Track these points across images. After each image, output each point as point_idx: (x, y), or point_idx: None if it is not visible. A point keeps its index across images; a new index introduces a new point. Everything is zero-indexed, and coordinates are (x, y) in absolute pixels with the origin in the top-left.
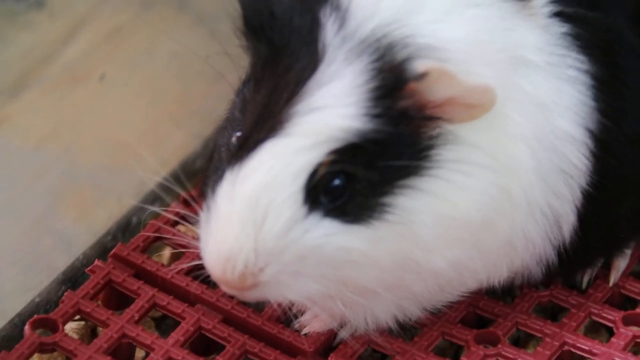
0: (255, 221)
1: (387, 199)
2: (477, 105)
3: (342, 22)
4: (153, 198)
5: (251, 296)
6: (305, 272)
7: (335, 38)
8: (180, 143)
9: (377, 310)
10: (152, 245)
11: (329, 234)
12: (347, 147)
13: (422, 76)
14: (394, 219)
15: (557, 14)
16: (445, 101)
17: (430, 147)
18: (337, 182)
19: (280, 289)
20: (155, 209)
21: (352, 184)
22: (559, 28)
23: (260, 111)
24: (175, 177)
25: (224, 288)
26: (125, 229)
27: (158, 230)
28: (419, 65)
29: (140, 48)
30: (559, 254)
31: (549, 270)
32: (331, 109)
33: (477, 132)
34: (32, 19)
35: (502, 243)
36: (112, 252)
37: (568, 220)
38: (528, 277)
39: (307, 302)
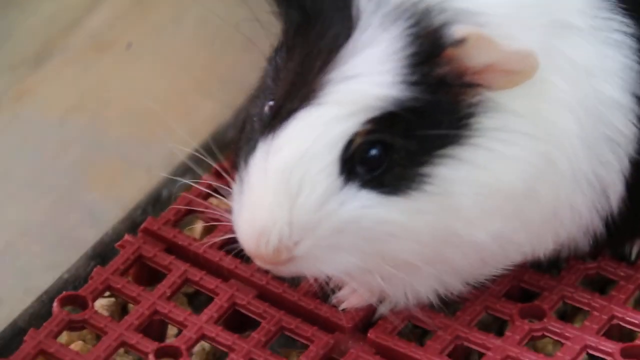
0: (290, 193)
1: (426, 169)
2: (517, 71)
3: None
4: (183, 170)
5: (286, 271)
6: (342, 246)
7: (369, 3)
8: (210, 113)
9: (418, 284)
10: (183, 219)
11: (366, 205)
12: (384, 116)
13: (460, 42)
14: (433, 189)
15: None
16: (484, 68)
17: (470, 115)
18: (374, 152)
19: (316, 263)
20: (187, 181)
21: (389, 154)
22: None
23: (293, 79)
24: (207, 148)
25: (258, 262)
26: (156, 202)
27: (189, 203)
28: (456, 31)
29: (167, 15)
30: (607, 225)
31: (597, 241)
32: (366, 76)
33: (518, 99)
34: None
35: (547, 214)
36: (142, 227)
37: (615, 189)
38: (575, 249)
39: (344, 276)
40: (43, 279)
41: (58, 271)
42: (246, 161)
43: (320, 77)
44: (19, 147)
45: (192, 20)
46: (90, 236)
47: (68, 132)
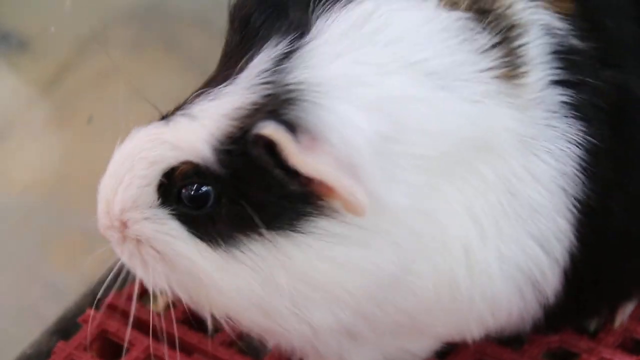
0: (117, 179)
1: (242, 237)
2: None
3: None
4: None
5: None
6: (147, 259)
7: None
8: None
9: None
10: (147, 292)
11: (168, 233)
12: (213, 169)
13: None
14: (241, 258)
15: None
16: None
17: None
18: (202, 192)
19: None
20: None
21: (218, 206)
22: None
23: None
24: None
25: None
26: (119, 276)
27: None
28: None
29: (128, 90)
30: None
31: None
32: (205, 124)
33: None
34: (17, 61)
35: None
36: (105, 301)
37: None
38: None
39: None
40: (5, 355)
41: (20, 346)
42: None
43: (193, 97)
44: None
45: (155, 95)
46: (52, 311)
47: (29, 207)
